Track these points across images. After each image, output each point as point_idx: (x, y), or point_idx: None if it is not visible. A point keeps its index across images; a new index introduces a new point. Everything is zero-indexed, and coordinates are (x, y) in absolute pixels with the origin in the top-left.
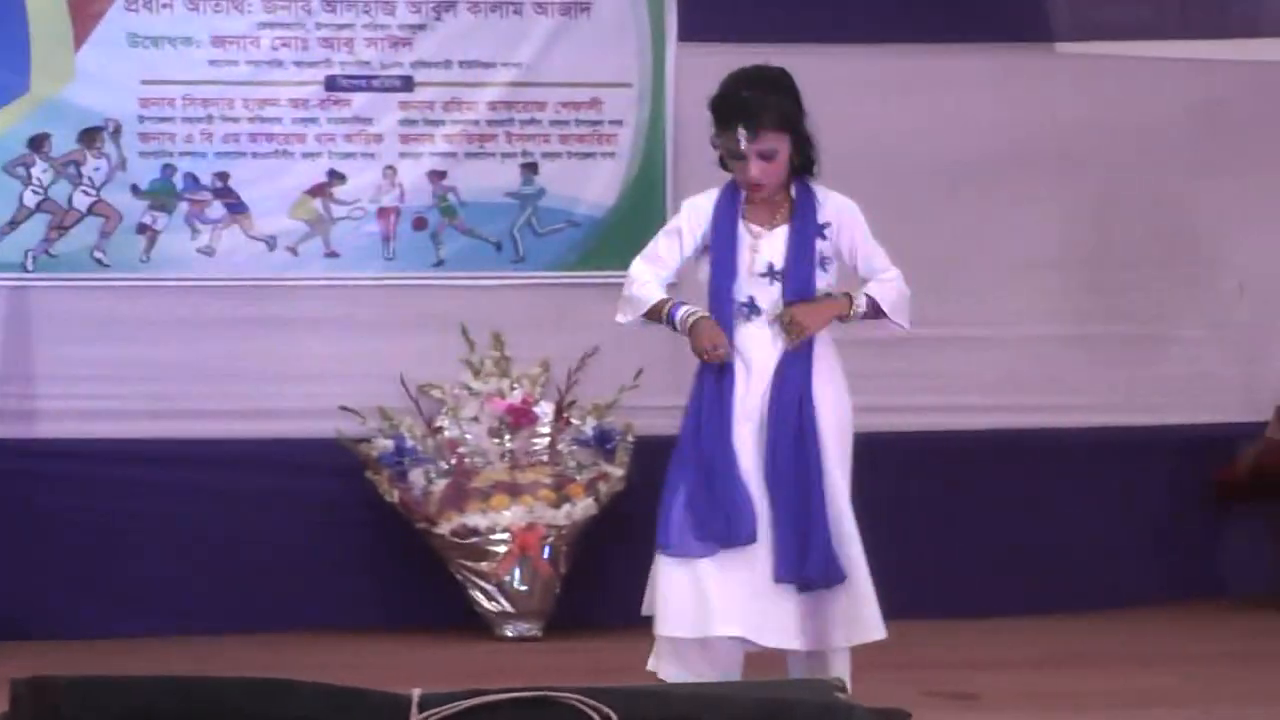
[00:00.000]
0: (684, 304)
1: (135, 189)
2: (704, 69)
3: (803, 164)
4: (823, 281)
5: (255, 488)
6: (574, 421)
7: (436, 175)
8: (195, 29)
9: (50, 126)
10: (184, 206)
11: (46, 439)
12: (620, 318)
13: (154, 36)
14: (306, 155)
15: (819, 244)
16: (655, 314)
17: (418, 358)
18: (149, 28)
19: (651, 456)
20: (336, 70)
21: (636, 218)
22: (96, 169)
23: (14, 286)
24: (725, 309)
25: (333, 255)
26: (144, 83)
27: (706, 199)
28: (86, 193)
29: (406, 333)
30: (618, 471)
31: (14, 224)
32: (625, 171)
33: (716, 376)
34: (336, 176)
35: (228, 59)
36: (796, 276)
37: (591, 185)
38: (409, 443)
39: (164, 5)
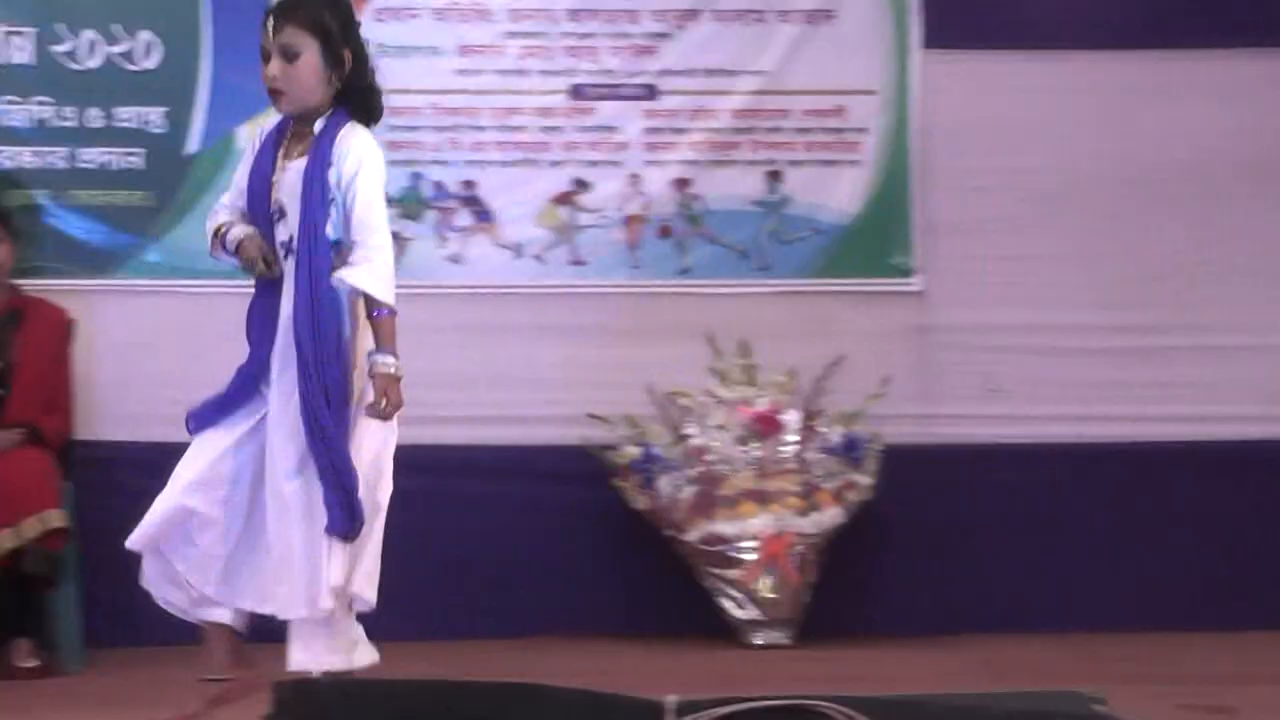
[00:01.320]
0: (236, 225)
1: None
2: (949, 76)
3: (350, 96)
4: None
5: (503, 494)
6: (821, 429)
7: (681, 183)
8: (443, 39)
9: None
10: (432, 215)
11: None
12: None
13: (402, 46)
14: (552, 163)
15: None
16: (218, 245)
17: (664, 365)
18: (397, 38)
19: (899, 465)
20: (582, 79)
21: (881, 225)
22: None
23: None
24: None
25: (578, 263)
26: (392, 92)
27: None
28: None
29: (652, 340)
30: (865, 480)
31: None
32: (870, 179)
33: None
34: (582, 184)
35: (474, 68)
36: (306, 219)
37: (836, 193)
38: (656, 450)
39: (412, 15)
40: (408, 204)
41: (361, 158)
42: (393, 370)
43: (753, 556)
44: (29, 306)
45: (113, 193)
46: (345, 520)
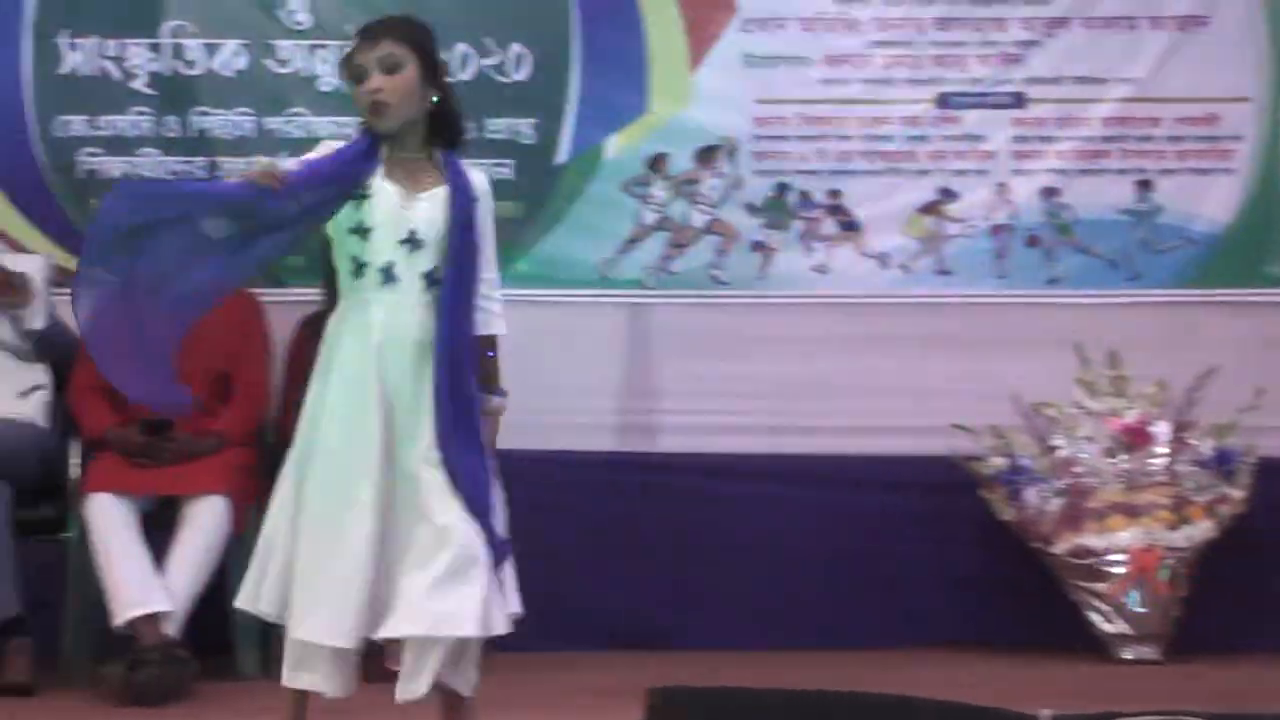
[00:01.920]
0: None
1: (750, 207)
2: None
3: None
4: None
5: (867, 503)
6: (1192, 442)
7: (1049, 192)
8: (809, 48)
9: (668, 146)
10: (798, 225)
11: (669, 453)
12: None
13: (769, 56)
14: (918, 173)
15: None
16: None
17: (1030, 376)
18: (764, 47)
19: (1274, 478)
20: (948, 88)
21: (1255, 234)
22: (713, 188)
23: (634, 303)
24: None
25: (945, 273)
26: (759, 102)
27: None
28: (703, 211)
29: (1019, 351)
30: (1238, 494)
31: (633, 242)
32: (1244, 188)
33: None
34: (948, 194)
35: (841, 78)
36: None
37: (1208, 202)
38: (1023, 461)
39: (779, 26)
40: (773, 213)
41: (487, 192)
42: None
43: (1121, 570)
44: None
45: None
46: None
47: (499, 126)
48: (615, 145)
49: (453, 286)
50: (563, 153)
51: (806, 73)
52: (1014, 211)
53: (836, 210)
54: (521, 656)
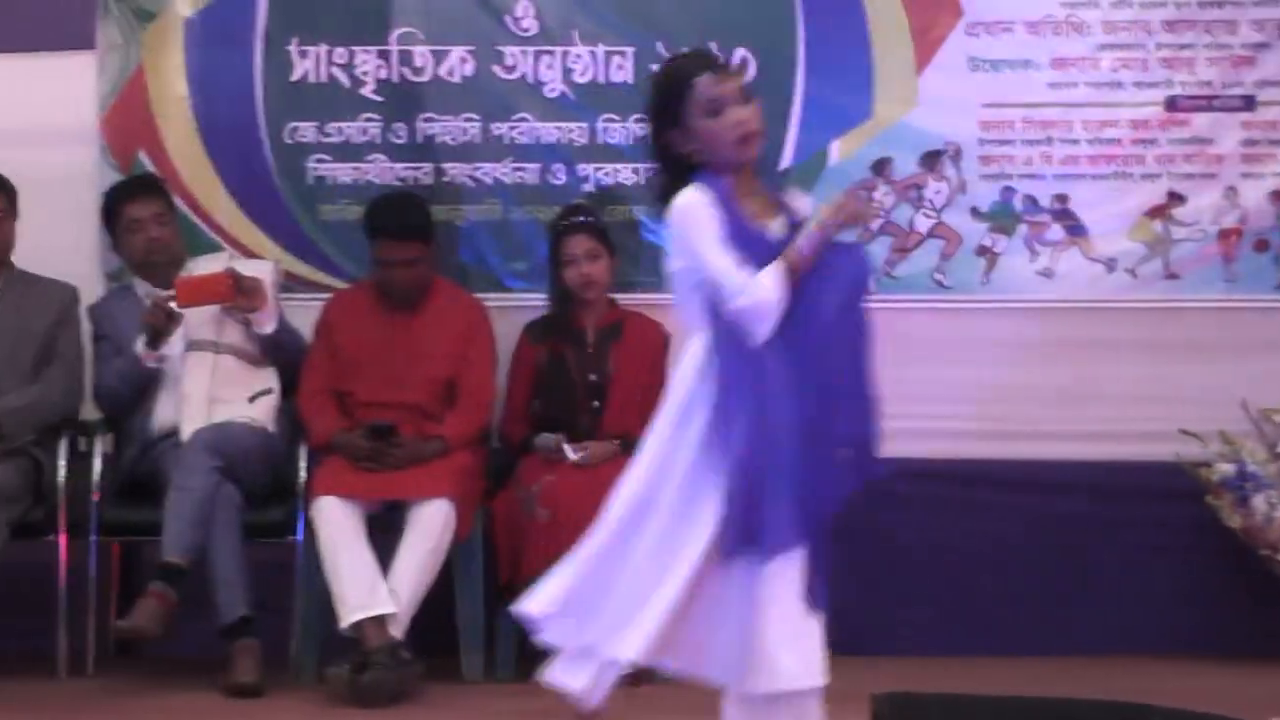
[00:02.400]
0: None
1: (975, 211)
2: None
3: None
4: None
5: (1092, 510)
6: None
7: (1278, 196)
8: (1036, 52)
9: (892, 150)
10: (1023, 229)
11: (889, 458)
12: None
13: (994, 60)
14: (1145, 177)
15: None
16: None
17: (1259, 381)
18: (989, 51)
19: None
20: (1177, 90)
21: None
22: (937, 192)
23: None
24: None
25: (1172, 277)
26: (984, 106)
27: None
28: (927, 215)
29: (1247, 356)
30: None
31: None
32: None
33: None
34: (1176, 198)
35: (1068, 81)
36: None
37: None
38: (1251, 467)
39: (1005, 29)
40: (999, 218)
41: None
42: None
43: None
44: (627, 320)
45: None
46: None
47: None
48: (839, 149)
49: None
50: (787, 157)
51: (1032, 76)
52: (1243, 215)
53: (1062, 214)
54: None
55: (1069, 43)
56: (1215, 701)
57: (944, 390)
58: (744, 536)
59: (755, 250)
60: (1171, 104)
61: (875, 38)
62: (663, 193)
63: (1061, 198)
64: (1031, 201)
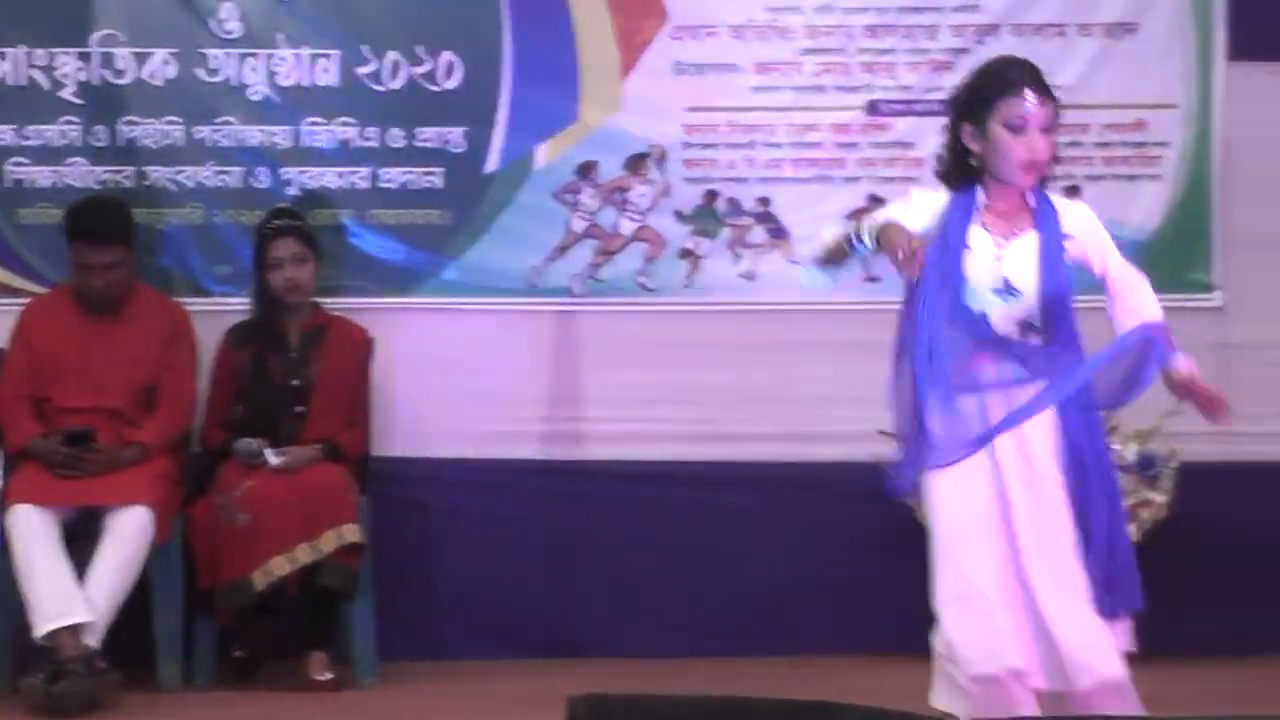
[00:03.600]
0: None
1: (679, 214)
2: (1254, 90)
3: None
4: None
5: (794, 510)
6: (1116, 447)
7: None
8: (739, 56)
9: (598, 154)
10: (726, 232)
11: (593, 460)
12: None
13: (699, 64)
14: (847, 180)
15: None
16: (840, 251)
17: None
18: (694, 55)
19: (1196, 483)
20: (878, 95)
21: (1181, 240)
22: (642, 195)
23: (561, 311)
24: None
25: (872, 280)
26: (688, 109)
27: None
28: (632, 218)
29: None
30: (1161, 498)
31: (562, 250)
32: (1170, 194)
33: None
34: (877, 201)
35: (770, 85)
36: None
37: (1135, 208)
38: None
39: (709, 34)
40: (703, 221)
41: (1084, 221)
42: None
43: None
44: (331, 325)
45: (412, 212)
46: None
47: (429, 135)
48: (545, 153)
49: (1050, 333)
50: (493, 161)
51: (736, 80)
52: None
53: (765, 217)
54: (445, 664)
55: (772, 47)
56: (911, 700)
57: (650, 393)
58: None
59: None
60: (873, 108)
61: (581, 41)
62: (945, 175)
63: (764, 201)
64: (734, 205)
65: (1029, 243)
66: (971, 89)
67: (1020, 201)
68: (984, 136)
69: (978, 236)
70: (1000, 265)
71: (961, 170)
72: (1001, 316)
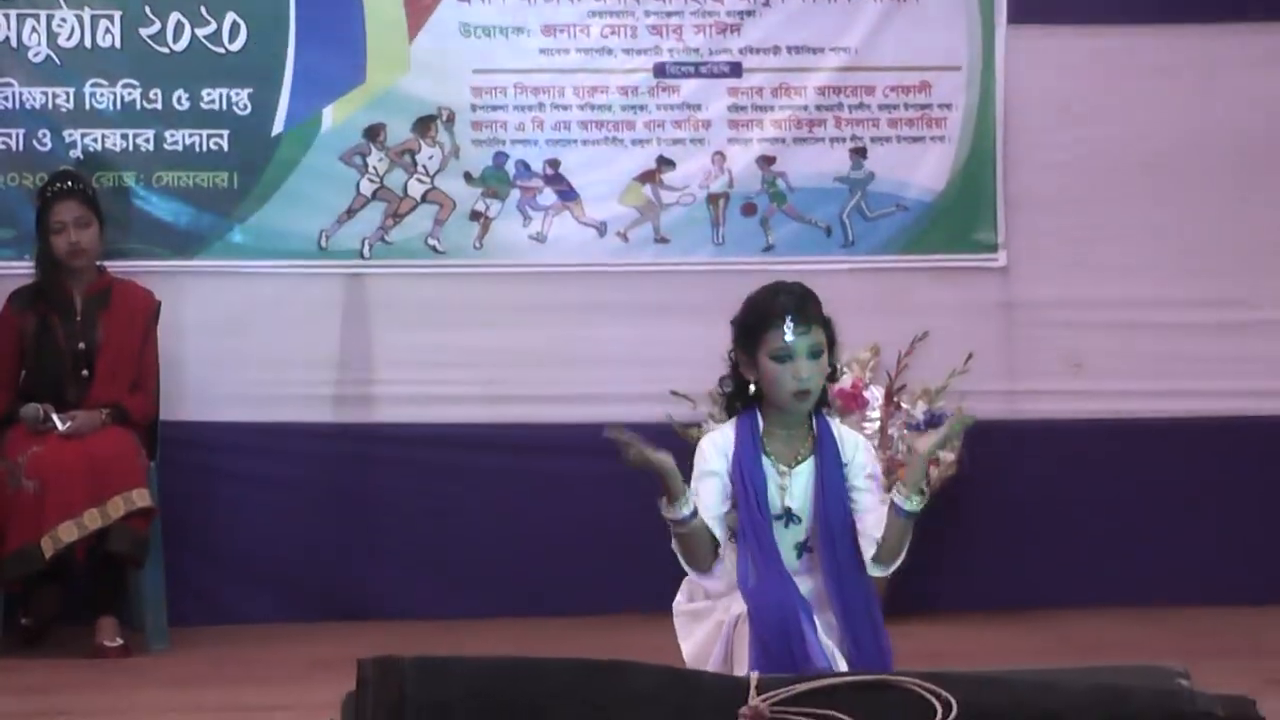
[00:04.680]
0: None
1: (468, 177)
2: (1034, 52)
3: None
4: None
5: (586, 472)
6: (904, 406)
7: (765, 161)
8: (526, 18)
9: (385, 116)
10: (516, 194)
11: (383, 423)
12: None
13: (486, 26)
14: (636, 142)
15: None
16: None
17: None
18: (481, 17)
19: (983, 441)
20: (665, 57)
21: (966, 201)
22: (430, 157)
23: (351, 274)
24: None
25: (662, 241)
26: (476, 71)
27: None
28: (421, 181)
29: None
30: (948, 456)
31: (351, 213)
32: (955, 155)
33: None
34: (666, 163)
35: (558, 47)
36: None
37: (921, 169)
38: None
39: None
40: (491, 183)
41: (859, 448)
42: None
43: None
44: (115, 288)
45: (198, 174)
46: None
47: (213, 97)
48: (332, 115)
49: (827, 558)
50: (279, 123)
51: (524, 42)
52: (730, 180)
53: (554, 179)
54: (238, 628)
55: (559, 9)
56: None
57: (440, 356)
58: None
59: (751, 486)
60: (660, 70)
61: (368, 4)
62: (726, 403)
63: (553, 163)
64: (524, 166)
65: (807, 469)
66: (741, 321)
67: (804, 427)
68: (755, 367)
69: (766, 465)
70: (782, 495)
71: (742, 398)
72: (785, 543)
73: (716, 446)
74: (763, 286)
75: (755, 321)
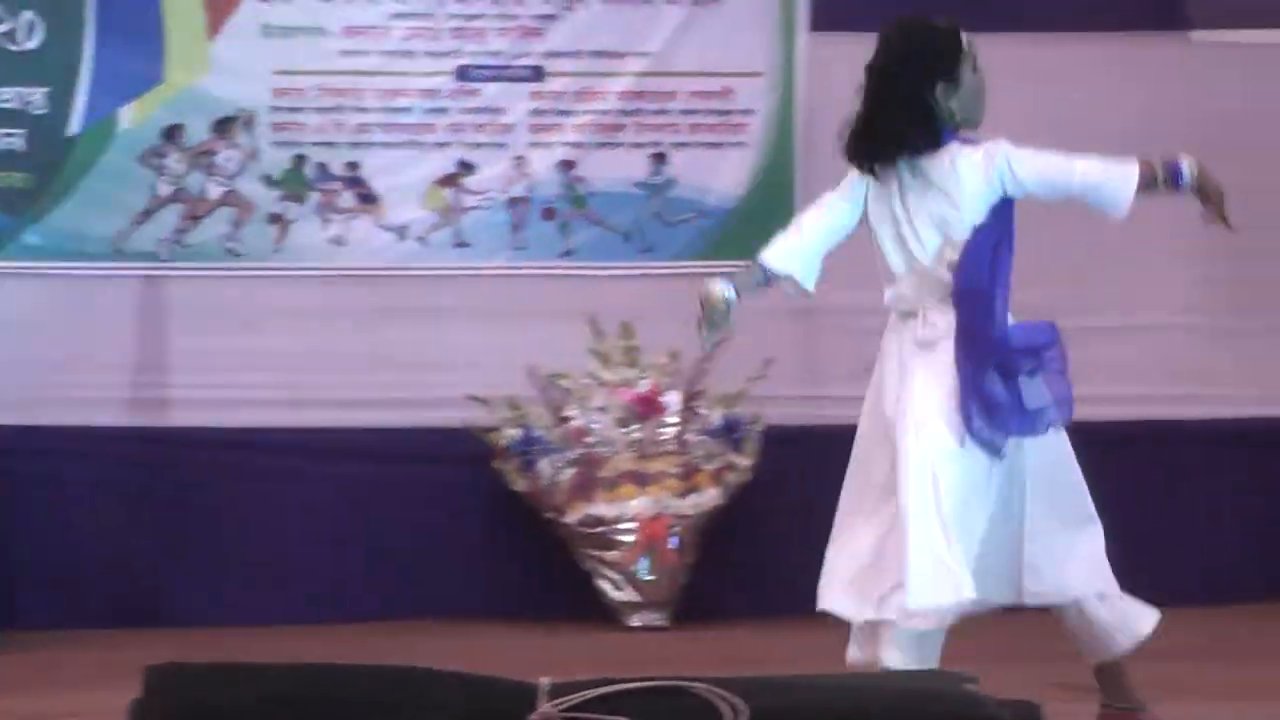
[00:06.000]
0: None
1: (268, 179)
2: (835, 58)
3: None
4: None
5: (386, 477)
6: (702, 411)
7: (566, 165)
8: (328, 19)
9: (184, 117)
10: (315, 197)
11: (181, 428)
12: None
13: (287, 27)
14: (437, 145)
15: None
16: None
17: (546, 347)
18: (282, 18)
19: (780, 447)
20: (467, 60)
21: (766, 207)
22: (229, 159)
23: (148, 276)
24: None
25: (463, 245)
26: (277, 73)
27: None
28: (219, 183)
29: (535, 322)
30: (745, 461)
31: (148, 214)
32: (755, 161)
33: None
34: (466, 166)
35: (359, 49)
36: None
37: (721, 175)
38: (537, 432)
39: None
40: (291, 185)
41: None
42: None
43: (631, 538)
44: None
45: None
46: None
47: (9, 95)
48: (130, 115)
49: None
50: (75, 123)
51: (325, 44)
52: (531, 184)
53: (354, 182)
54: (27, 635)
55: (361, 11)
56: (495, 663)
57: (241, 360)
58: None
59: None
60: (462, 74)
61: (167, 3)
62: (918, 144)
63: (353, 165)
64: (323, 169)
65: None
66: (934, 53)
67: None
68: (962, 91)
69: None
70: None
71: (933, 131)
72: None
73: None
74: (930, 21)
75: (954, 43)
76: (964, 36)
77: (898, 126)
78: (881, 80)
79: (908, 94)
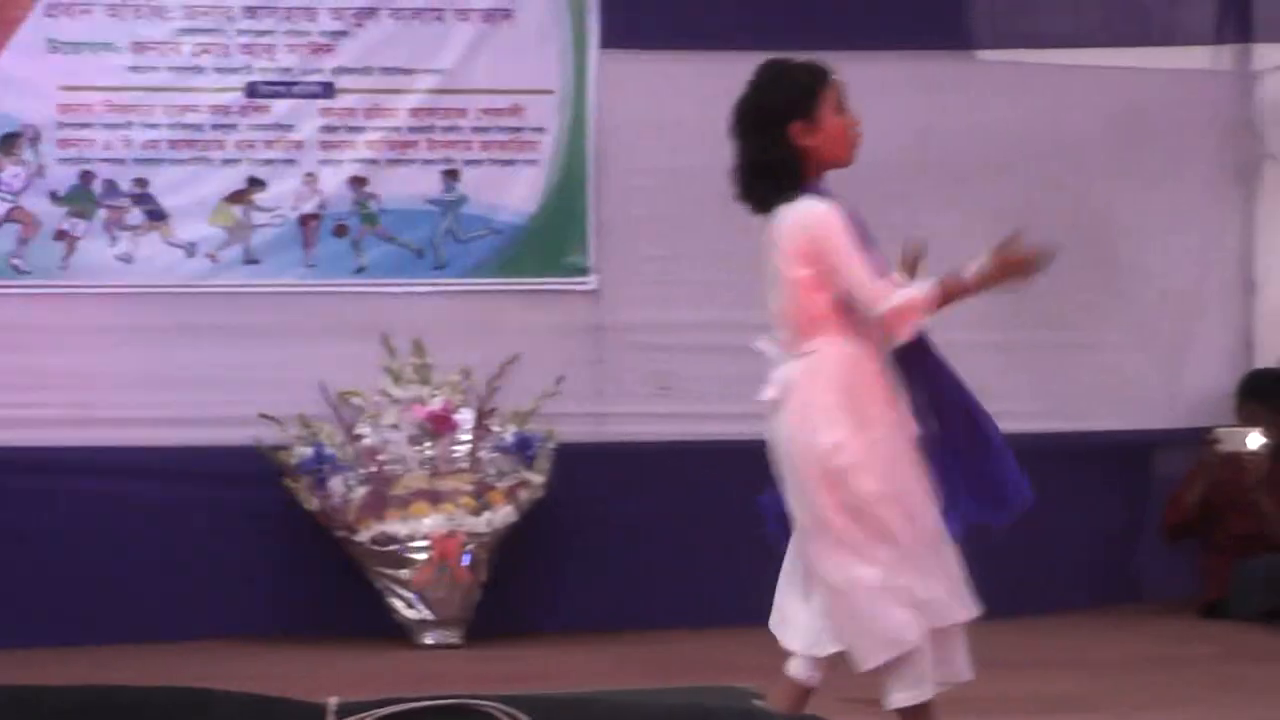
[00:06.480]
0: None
1: (54, 195)
2: (626, 76)
3: None
4: None
5: (174, 496)
6: (494, 429)
7: (357, 182)
8: (116, 35)
9: None
10: (103, 213)
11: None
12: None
13: (74, 42)
14: (226, 162)
15: None
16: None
17: (338, 365)
18: (69, 33)
19: (572, 463)
20: (257, 77)
21: (557, 224)
22: (14, 175)
23: None
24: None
25: (253, 262)
26: (63, 89)
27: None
28: (4, 199)
29: (327, 340)
30: (538, 479)
31: None
32: (546, 178)
33: None
34: (256, 183)
35: (148, 65)
36: None
37: (513, 192)
38: (328, 450)
39: (84, 11)
40: (78, 202)
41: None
42: None
43: (424, 556)
44: None
45: None
46: None
47: None
48: None
49: None
50: None
51: (113, 59)
52: (322, 201)
53: (142, 199)
54: None
55: (150, 26)
56: (286, 683)
57: (27, 378)
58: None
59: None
60: (252, 90)
61: None
62: (763, 194)
63: (141, 182)
64: (111, 186)
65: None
66: (789, 92)
67: None
68: (820, 131)
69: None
70: None
71: (787, 179)
72: None
73: (834, 212)
74: (790, 61)
75: (814, 81)
76: (829, 77)
77: (746, 179)
78: (738, 123)
79: (759, 139)
